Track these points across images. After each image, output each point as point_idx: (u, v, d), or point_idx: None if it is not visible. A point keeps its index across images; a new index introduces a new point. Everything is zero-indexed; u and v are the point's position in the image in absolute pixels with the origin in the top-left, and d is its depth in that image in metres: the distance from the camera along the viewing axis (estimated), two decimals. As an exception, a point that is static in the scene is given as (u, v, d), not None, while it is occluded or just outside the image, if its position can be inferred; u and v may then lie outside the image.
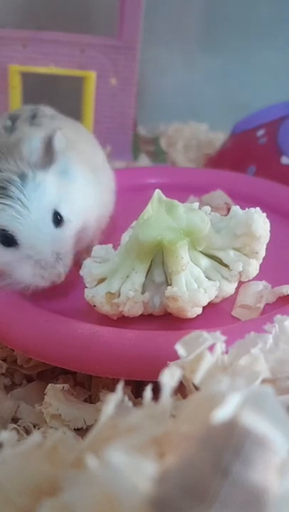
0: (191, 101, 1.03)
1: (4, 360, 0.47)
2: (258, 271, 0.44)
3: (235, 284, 0.44)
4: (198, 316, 0.42)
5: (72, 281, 0.45)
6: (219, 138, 0.94)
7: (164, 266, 0.42)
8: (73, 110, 0.62)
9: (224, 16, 0.99)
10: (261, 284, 0.44)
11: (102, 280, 0.43)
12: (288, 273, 0.47)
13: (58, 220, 0.44)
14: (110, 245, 0.45)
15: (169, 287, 0.40)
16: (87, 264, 0.43)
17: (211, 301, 0.42)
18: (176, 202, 0.42)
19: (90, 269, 0.43)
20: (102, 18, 0.93)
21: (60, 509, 0.21)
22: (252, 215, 0.42)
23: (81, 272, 0.43)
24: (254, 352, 0.30)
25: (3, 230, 0.41)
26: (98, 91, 0.82)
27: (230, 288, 0.43)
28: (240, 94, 1.01)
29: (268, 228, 0.43)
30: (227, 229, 0.43)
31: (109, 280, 0.42)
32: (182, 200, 0.45)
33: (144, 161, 0.89)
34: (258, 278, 0.45)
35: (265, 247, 0.43)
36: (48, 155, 0.44)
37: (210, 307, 0.43)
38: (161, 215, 0.41)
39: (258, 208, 0.43)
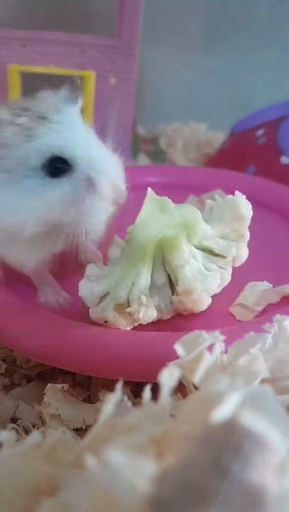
0: (191, 101, 1.03)
1: (4, 360, 0.47)
2: (247, 254, 0.45)
3: (231, 271, 0.44)
4: (197, 317, 0.42)
5: (72, 281, 0.45)
6: (218, 138, 0.94)
7: (164, 266, 0.42)
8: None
9: (223, 16, 0.99)
10: (267, 285, 0.44)
11: (103, 297, 0.41)
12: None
13: None
14: (101, 263, 0.44)
15: (180, 283, 0.40)
16: (85, 284, 0.42)
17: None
18: (166, 199, 0.43)
19: (90, 288, 0.41)
20: (101, 18, 0.93)
21: (59, 509, 0.21)
22: (236, 199, 0.44)
23: (81, 294, 0.42)
24: (253, 352, 0.30)
25: (53, 155, 0.38)
26: (97, 91, 0.82)
27: (227, 276, 0.44)
28: (240, 94, 1.01)
29: (251, 207, 0.44)
30: (213, 218, 0.44)
31: (114, 292, 0.41)
32: (182, 200, 0.45)
33: (143, 160, 0.89)
34: (258, 278, 0.45)
35: (247, 228, 0.45)
36: (74, 93, 0.43)
37: (209, 307, 0.43)
38: (155, 215, 0.42)
39: (237, 192, 0.45)
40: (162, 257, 0.42)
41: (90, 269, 0.43)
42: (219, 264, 0.43)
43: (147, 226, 0.41)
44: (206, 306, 0.42)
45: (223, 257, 0.43)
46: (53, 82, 0.87)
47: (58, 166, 0.38)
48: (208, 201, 0.47)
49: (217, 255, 0.43)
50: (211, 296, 0.42)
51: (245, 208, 0.44)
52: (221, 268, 0.43)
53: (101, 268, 0.44)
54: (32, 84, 0.82)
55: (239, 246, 0.44)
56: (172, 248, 0.41)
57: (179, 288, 0.40)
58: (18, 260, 0.44)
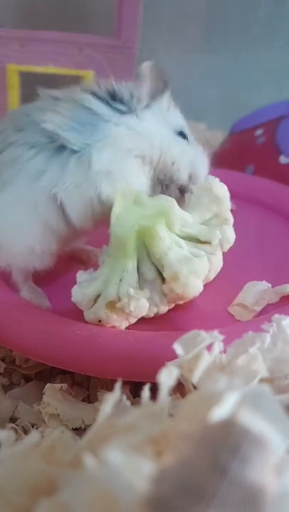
0: (190, 100, 1.02)
1: (2, 360, 0.47)
2: (234, 236, 0.44)
3: (221, 255, 0.44)
4: (196, 316, 0.42)
5: (72, 280, 0.45)
6: (217, 137, 0.94)
7: (150, 258, 0.41)
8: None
9: (223, 16, 0.99)
10: (266, 285, 0.44)
11: (96, 299, 0.42)
12: (288, 272, 0.48)
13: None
14: (91, 269, 0.44)
15: (165, 269, 0.40)
16: (76, 289, 0.42)
17: (206, 278, 0.42)
18: (138, 191, 0.42)
19: (81, 292, 0.42)
20: (100, 18, 0.93)
21: (58, 508, 0.21)
22: (208, 181, 0.44)
23: (73, 299, 0.42)
24: (252, 351, 0.30)
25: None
26: (96, 90, 0.82)
27: (217, 260, 0.43)
28: (239, 94, 1.01)
29: (226, 189, 0.44)
30: (191, 205, 0.44)
31: (104, 291, 0.41)
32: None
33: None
34: (258, 277, 0.45)
35: (230, 211, 0.44)
36: (160, 81, 0.51)
37: (208, 307, 0.43)
38: (129, 208, 0.41)
39: (209, 175, 0.45)
40: (146, 250, 0.41)
41: (80, 276, 0.43)
42: (206, 249, 0.43)
43: (123, 220, 0.40)
44: (198, 292, 0.41)
45: (209, 242, 0.43)
46: (52, 81, 0.87)
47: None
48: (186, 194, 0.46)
49: (203, 242, 0.43)
50: (209, 293, 0.42)
51: (219, 188, 0.44)
52: (210, 254, 0.43)
53: (90, 273, 0.43)
54: (31, 83, 0.82)
55: (224, 229, 0.43)
56: (151, 238, 0.40)
57: (166, 274, 0.40)
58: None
